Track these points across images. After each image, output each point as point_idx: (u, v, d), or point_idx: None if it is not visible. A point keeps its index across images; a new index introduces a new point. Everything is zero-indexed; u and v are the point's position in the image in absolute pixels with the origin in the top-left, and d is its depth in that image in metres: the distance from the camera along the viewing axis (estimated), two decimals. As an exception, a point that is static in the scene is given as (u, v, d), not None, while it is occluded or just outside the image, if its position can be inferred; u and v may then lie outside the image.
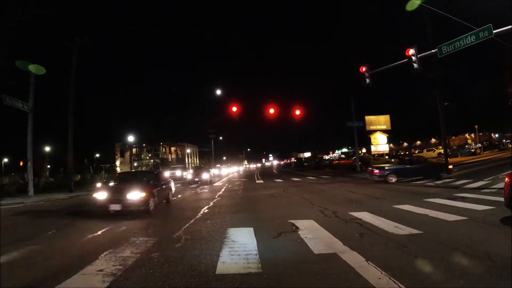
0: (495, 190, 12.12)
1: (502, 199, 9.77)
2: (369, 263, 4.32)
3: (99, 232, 7.25)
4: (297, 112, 27.75)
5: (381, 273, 3.95)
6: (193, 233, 6.73)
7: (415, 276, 3.88)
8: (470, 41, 14.18)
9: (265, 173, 46.09)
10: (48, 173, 42.20)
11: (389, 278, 3.77)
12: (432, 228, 6.39)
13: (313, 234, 6.14)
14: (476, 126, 67.13)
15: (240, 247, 5.36)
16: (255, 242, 5.63)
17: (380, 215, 7.91)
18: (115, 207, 9.56)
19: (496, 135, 76.39)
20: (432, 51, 15.48)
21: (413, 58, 15.69)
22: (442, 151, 36.56)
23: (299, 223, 7.30)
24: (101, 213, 9.71)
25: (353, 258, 4.57)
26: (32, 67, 20.15)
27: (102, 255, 5.13)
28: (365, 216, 7.96)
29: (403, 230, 6.27)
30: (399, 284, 3.59)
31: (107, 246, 5.74)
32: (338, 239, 5.70)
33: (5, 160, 56.79)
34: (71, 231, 7.81)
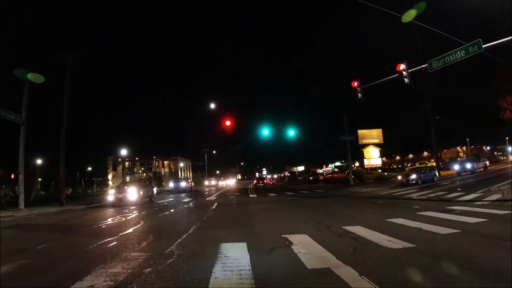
0: (487, 202, 12.24)
1: (494, 211, 9.92)
2: (362, 278, 4.28)
3: (90, 247, 7.13)
4: (291, 133, 28.11)
5: (375, 287, 3.92)
6: (185, 248, 6.65)
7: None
8: (459, 56, 14.44)
9: (258, 188, 45.80)
10: (39, 186, 41.88)
11: (383, 293, 3.75)
12: (426, 242, 6.39)
13: (307, 249, 6.10)
14: (467, 139, 67.92)
15: (233, 262, 5.29)
16: (248, 257, 5.57)
17: (374, 229, 7.88)
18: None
19: (488, 148, 77.13)
20: (423, 66, 15.74)
21: (404, 73, 15.95)
22: (434, 164, 36.80)
23: (292, 237, 7.25)
24: (91, 227, 9.59)
25: (346, 273, 4.53)
26: (30, 76, 20.11)
27: (93, 270, 5.03)
28: (358, 230, 7.94)
29: (397, 243, 6.25)
30: (393, 299, 3.57)
31: (97, 261, 5.64)
32: (331, 253, 5.65)
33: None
34: (61, 246, 7.69)
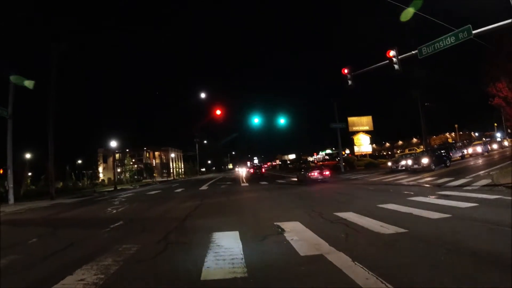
0: (477, 187, 12.33)
1: (485, 196, 10.02)
2: (355, 264, 4.28)
3: (80, 240, 7.06)
4: (282, 121, 28.05)
5: (368, 273, 3.91)
6: (177, 238, 6.61)
7: (402, 275, 3.85)
8: (450, 42, 14.41)
9: (247, 176, 45.82)
10: (29, 181, 41.41)
11: (376, 278, 3.74)
12: (417, 227, 6.41)
13: (299, 236, 6.09)
14: (456, 126, 68.64)
15: (226, 251, 5.26)
16: (241, 246, 5.54)
17: (365, 215, 7.92)
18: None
19: (476, 134, 78.05)
20: (413, 52, 15.73)
21: (394, 59, 15.94)
22: (422, 150, 37.14)
23: (284, 225, 7.25)
24: (81, 220, 9.49)
25: (339, 259, 4.53)
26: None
27: (83, 264, 4.96)
28: (350, 216, 7.96)
29: (389, 229, 6.28)
30: (386, 284, 3.56)
31: (88, 254, 5.56)
32: (324, 240, 5.65)
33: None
34: (51, 240, 7.58)
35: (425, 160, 23.09)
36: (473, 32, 13.82)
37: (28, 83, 19.90)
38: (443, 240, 5.33)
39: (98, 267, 4.77)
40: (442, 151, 27.00)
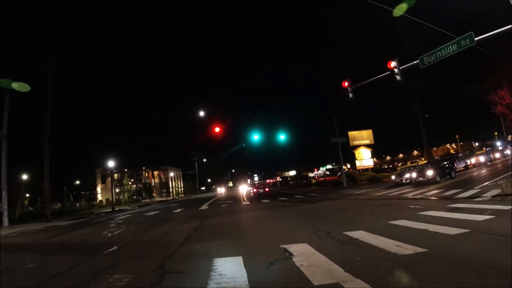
0: (487, 198, 11.84)
1: (499, 206, 9.48)
2: (378, 293, 3.72)
3: (68, 269, 6.46)
4: (282, 137, 27.70)
5: (395, 305, 3.36)
6: (174, 267, 5.99)
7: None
8: (451, 50, 14.11)
9: (248, 195, 45.03)
10: (27, 202, 40.77)
11: (406, 312, 3.19)
12: (437, 245, 5.85)
13: (309, 261, 5.51)
14: (457, 136, 68.25)
15: (229, 281, 4.67)
16: (245, 274, 4.95)
17: (378, 233, 7.34)
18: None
19: (476, 144, 77.65)
20: (414, 62, 15.39)
21: (395, 70, 15.59)
22: (425, 162, 36.61)
23: (292, 248, 6.65)
24: (73, 245, 8.92)
25: (359, 288, 3.97)
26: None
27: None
28: (361, 235, 7.39)
29: (407, 249, 5.71)
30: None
31: (75, 286, 5.01)
32: (337, 264, 5.08)
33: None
34: (38, 269, 6.97)
35: (430, 172, 22.58)
36: (476, 39, 13.54)
37: (18, 86, 19.21)
38: (469, 258, 4.80)
39: (84, 303, 4.19)
40: (445, 162, 26.56)
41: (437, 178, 22.26)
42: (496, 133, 63.47)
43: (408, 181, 24.98)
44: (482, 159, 33.50)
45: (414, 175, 24.23)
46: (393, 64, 15.67)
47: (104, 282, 5.17)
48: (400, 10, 15.10)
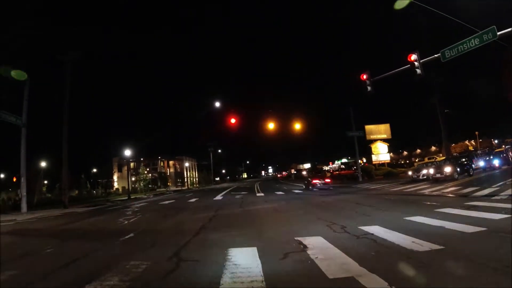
0: (506, 196, 11.60)
1: (517, 206, 9.29)
2: (394, 289, 3.70)
3: (86, 255, 6.61)
4: (297, 126, 27.47)
5: (411, 301, 3.34)
6: (189, 255, 6.07)
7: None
8: (474, 44, 13.79)
9: (263, 186, 45.24)
10: (45, 189, 41.71)
11: (422, 309, 3.16)
12: (453, 242, 5.78)
13: (324, 254, 5.50)
14: (476, 133, 66.85)
15: (243, 271, 4.71)
16: (260, 265, 4.98)
17: (393, 229, 7.28)
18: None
19: (496, 141, 75.93)
20: (435, 55, 15.07)
21: (416, 63, 15.30)
22: (444, 159, 36.01)
23: (306, 240, 6.65)
24: (90, 232, 9.10)
25: (374, 283, 3.95)
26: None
27: (86, 284, 4.48)
28: (377, 230, 7.34)
29: (423, 245, 5.65)
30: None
31: (93, 272, 5.10)
32: (352, 259, 5.07)
33: (1, 176, 55.94)
34: (55, 254, 7.15)
35: (448, 169, 22.19)
36: (498, 33, 13.19)
37: (16, 74, 19.47)
38: (486, 257, 4.74)
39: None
40: (464, 159, 26.07)
41: (455, 175, 21.87)
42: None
43: (425, 177, 24.61)
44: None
45: (431, 171, 23.84)
46: (413, 57, 15.37)
47: (121, 268, 5.27)
48: (401, 4, 14.84)
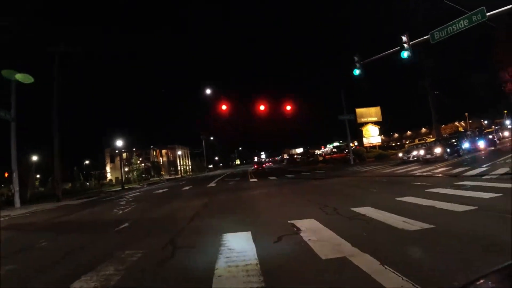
0: (496, 176, 11.78)
1: (506, 185, 9.45)
2: (385, 267, 3.77)
3: (81, 247, 6.64)
4: (288, 107, 27.34)
5: (402, 279, 3.41)
6: (184, 242, 6.13)
7: (440, 279, 3.36)
8: (463, 25, 13.81)
9: (255, 172, 45.40)
10: (38, 183, 41.47)
11: (414, 285, 3.24)
12: (443, 221, 5.90)
13: (317, 236, 5.59)
14: (466, 114, 67.42)
15: (238, 256, 4.77)
16: (254, 249, 5.05)
17: (384, 209, 7.40)
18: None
19: (486, 122, 76.71)
20: (425, 37, 15.10)
21: (405, 45, 15.32)
22: (434, 140, 36.36)
23: (299, 223, 6.75)
24: (84, 223, 9.11)
25: (366, 262, 4.03)
26: (19, 76, 19.41)
27: (82, 274, 4.51)
28: (368, 211, 7.46)
29: (413, 225, 5.76)
30: (428, 293, 3.07)
31: (88, 263, 5.13)
32: (344, 239, 5.16)
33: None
34: (50, 247, 7.16)
35: (437, 150, 22.43)
36: (487, 14, 13.22)
37: (22, 77, 19.25)
38: (476, 235, 4.85)
39: (98, 278, 4.32)
40: (454, 140, 26.36)
41: (445, 155, 22.11)
42: (506, 111, 62.47)
43: (415, 158, 24.83)
44: (490, 137, 32.17)
45: (421, 152, 24.09)
46: (403, 39, 15.38)
47: (116, 258, 5.30)
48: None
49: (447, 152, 22.62)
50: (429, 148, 23.91)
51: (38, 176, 43.34)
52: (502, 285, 0.90)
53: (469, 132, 36.98)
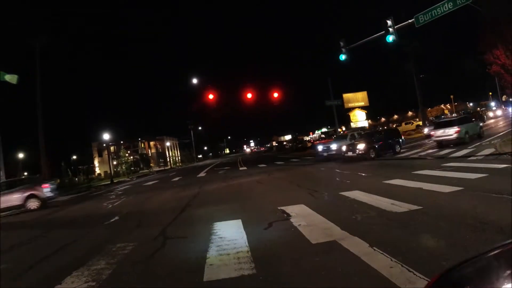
0: (481, 157, 11.95)
1: (492, 165, 9.63)
2: (374, 249, 3.84)
3: (72, 242, 6.59)
4: (275, 94, 27.22)
5: (391, 260, 3.48)
6: (175, 233, 6.14)
7: (429, 260, 3.43)
8: (447, 8, 13.84)
9: (245, 160, 45.50)
10: (25, 180, 40.79)
11: (402, 266, 3.30)
12: (431, 202, 5.99)
13: (307, 221, 5.65)
14: (451, 96, 68.16)
15: (229, 244, 4.80)
16: (245, 236, 5.09)
17: (373, 193, 7.50)
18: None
19: (471, 104, 77.85)
20: (409, 21, 15.10)
21: (390, 29, 15.31)
22: (420, 123, 36.79)
23: (289, 209, 6.80)
24: (74, 219, 9.04)
25: (355, 245, 4.10)
26: (8, 77, 18.96)
27: (74, 270, 4.48)
28: (357, 195, 7.55)
29: (401, 207, 5.86)
30: (415, 272, 3.12)
31: (79, 258, 5.11)
32: (334, 223, 5.22)
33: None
34: (41, 244, 7.09)
35: (361, 146, 20.25)
36: (471, -3, 13.27)
37: (10, 78, 18.88)
38: (462, 215, 4.94)
39: (89, 273, 4.30)
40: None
41: (371, 153, 20.36)
42: (490, 93, 63.41)
43: (333, 153, 23.79)
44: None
45: (343, 148, 23.01)
46: (388, 23, 15.37)
47: (107, 252, 5.29)
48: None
49: (374, 148, 18.38)
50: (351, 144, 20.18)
51: (25, 173, 42.71)
52: (491, 266, 0.90)
53: (454, 115, 37.41)
